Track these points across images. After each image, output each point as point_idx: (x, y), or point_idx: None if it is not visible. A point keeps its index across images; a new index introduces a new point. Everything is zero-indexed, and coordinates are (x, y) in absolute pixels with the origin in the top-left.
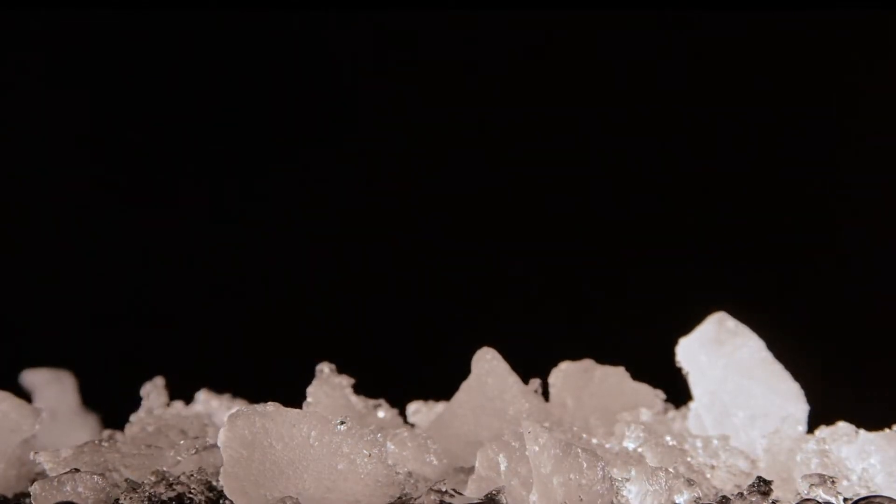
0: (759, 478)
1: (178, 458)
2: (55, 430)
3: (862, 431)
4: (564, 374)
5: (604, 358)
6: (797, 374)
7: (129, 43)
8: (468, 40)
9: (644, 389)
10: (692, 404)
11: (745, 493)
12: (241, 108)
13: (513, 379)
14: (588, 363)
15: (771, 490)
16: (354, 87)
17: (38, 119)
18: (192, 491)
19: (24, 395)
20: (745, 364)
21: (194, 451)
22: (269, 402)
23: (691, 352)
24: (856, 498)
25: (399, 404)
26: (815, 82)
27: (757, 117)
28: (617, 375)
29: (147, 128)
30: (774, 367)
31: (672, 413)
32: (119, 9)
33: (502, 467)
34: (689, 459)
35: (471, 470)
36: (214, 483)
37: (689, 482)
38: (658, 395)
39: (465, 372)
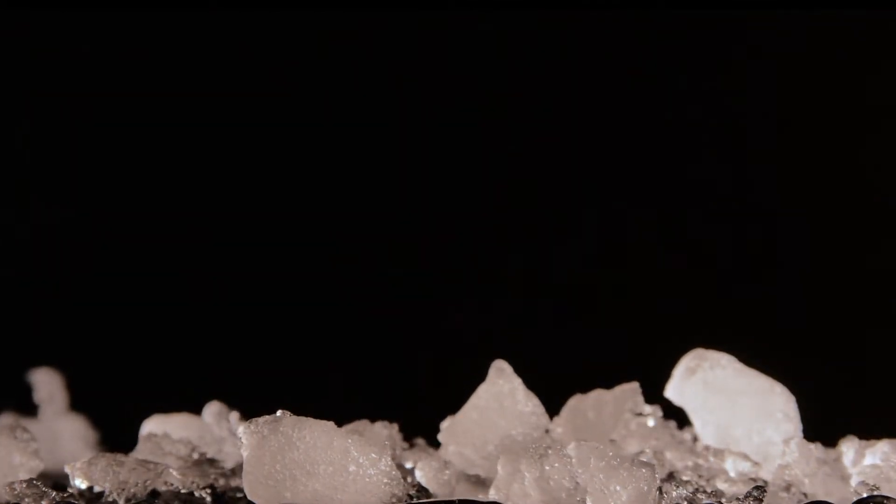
0: (756, 486)
1: (185, 467)
2: (45, 429)
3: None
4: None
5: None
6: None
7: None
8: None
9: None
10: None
11: (741, 498)
12: (242, 109)
13: (518, 381)
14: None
15: (765, 493)
16: (355, 89)
17: (33, 114)
18: (197, 499)
19: (23, 393)
20: (721, 381)
21: (200, 462)
22: (280, 411)
23: (676, 393)
24: (856, 498)
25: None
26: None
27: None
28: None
29: (142, 129)
30: (749, 374)
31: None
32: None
33: (525, 475)
34: (699, 462)
35: (477, 477)
36: (218, 490)
37: (714, 493)
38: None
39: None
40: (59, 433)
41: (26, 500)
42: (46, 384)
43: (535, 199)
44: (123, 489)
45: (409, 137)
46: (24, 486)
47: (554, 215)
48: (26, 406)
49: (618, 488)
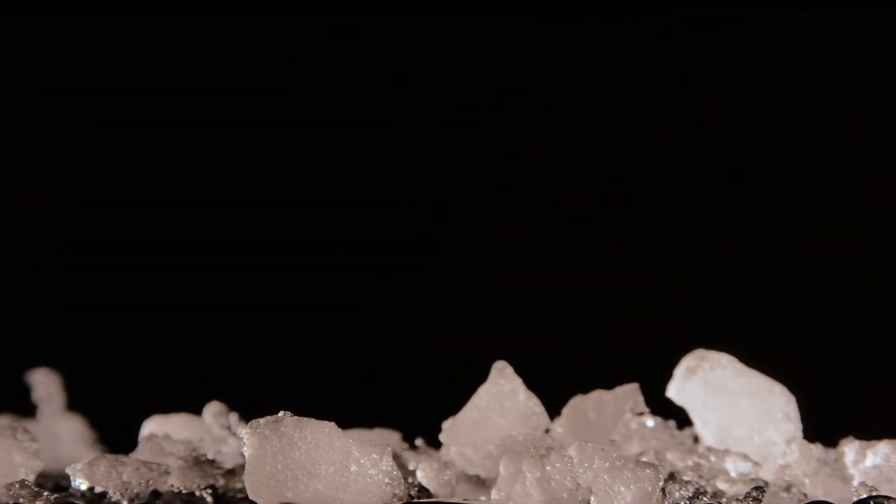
0: (756, 486)
1: (186, 467)
2: (44, 429)
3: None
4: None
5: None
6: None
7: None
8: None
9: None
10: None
11: (740, 498)
12: (242, 109)
13: (519, 381)
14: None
15: (764, 494)
16: (355, 89)
17: (33, 114)
18: (198, 499)
19: (22, 394)
20: (721, 381)
21: (198, 461)
22: (282, 411)
23: (677, 393)
24: (856, 498)
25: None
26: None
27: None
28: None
29: (142, 129)
30: (750, 374)
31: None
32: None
33: (527, 475)
34: (699, 461)
35: (477, 478)
36: (219, 490)
37: (715, 495)
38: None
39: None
40: (58, 433)
41: (21, 500)
42: (44, 384)
43: (535, 199)
44: (127, 490)
45: (409, 137)
46: (18, 486)
47: (554, 215)
48: (24, 406)
49: (622, 489)
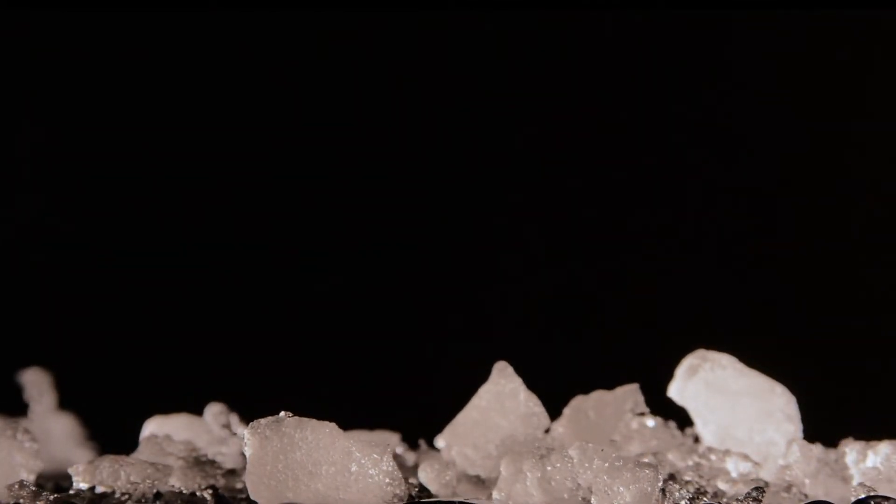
0: (756, 486)
1: (187, 468)
2: (35, 428)
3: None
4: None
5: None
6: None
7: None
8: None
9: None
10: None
11: (740, 498)
12: (241, 109)
13: (519, 381)
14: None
15: (764, 494)
16: (355, 89)
17: (33, 114)
18: (199, 499)
19: (13, 392)
20: (722, 382)
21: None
22: (283, 412)
23: (678, 393)
24: (856, 498)
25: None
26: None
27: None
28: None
29: (142, 129)
30: (750, 374)
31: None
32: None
33: (528, 475)
34: (699, 461)
35: (478, 478)
36: (220, 491)
37: (716, 495)
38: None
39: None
40: (49, 432)
41: (21, 500)
42: (35, 384)
43: (534, 200)
44: (133, 491)
45: (409, 137)
46: (18, 486)
47: (554, 215)
48: (16, 405)
49: (621, 489)
